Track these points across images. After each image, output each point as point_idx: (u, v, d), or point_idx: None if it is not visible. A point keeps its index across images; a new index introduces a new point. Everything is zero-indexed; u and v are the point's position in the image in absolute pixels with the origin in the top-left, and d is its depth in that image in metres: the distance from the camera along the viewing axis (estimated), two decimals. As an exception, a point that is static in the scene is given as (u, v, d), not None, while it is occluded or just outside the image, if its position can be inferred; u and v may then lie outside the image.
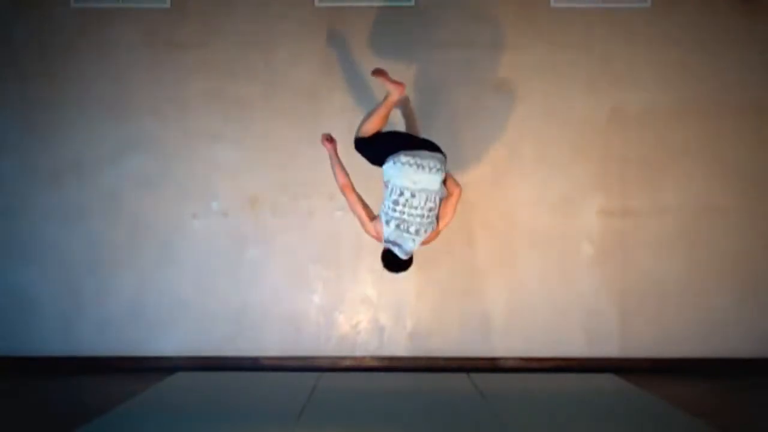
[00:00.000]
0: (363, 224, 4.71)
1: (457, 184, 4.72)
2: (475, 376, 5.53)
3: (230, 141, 6.01)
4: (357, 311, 5.98)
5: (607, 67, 6.03)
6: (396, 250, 4.58)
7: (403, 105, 5.19)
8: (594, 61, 6.03)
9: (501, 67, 6.01)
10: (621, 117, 6.01)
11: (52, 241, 5.96)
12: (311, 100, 6.01)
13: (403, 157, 4.52)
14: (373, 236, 4.70)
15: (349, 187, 4.75)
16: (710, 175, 6.00)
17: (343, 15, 6.03)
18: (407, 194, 4.52)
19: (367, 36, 6.02)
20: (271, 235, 6.00)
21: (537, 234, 5.96)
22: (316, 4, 6.04)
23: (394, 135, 4.81)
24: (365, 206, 4.74)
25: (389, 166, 4.56)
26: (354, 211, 4.76)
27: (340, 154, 4.84)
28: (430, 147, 4.65)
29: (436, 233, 4.67)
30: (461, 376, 5.53)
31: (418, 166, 4.51)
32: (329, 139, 4.86)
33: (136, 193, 5.98)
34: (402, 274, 5.91)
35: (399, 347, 5.95)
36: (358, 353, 5.95)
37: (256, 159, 6.00)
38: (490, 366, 5.89)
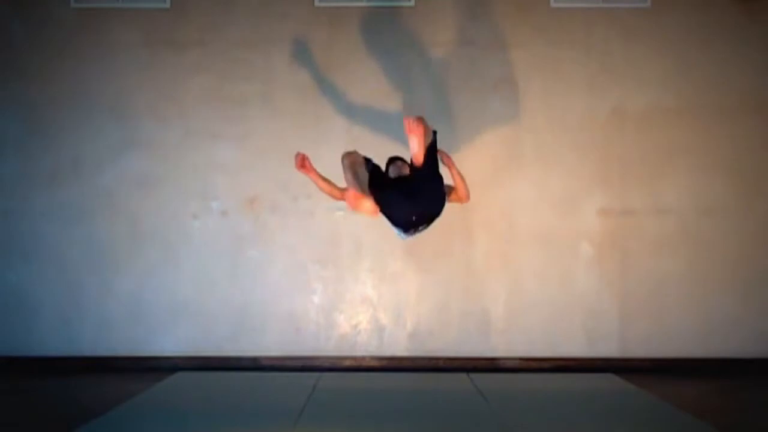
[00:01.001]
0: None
1: (468, 195, 4.78)
2: (475, 376, 5.53)
3: (230, 140, 6.01)
4: (357, 311, 5.98)
5: (607, 67, 6.03)
6: None
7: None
8: (594, 60, 6.03)
9: (501, 66, 6.01)
10: (621, 116, 6.01)
11: (52, 241, 5.95)
12: (311, 99, 6.01)
13: (404, 235, 4.61)
14: None
15: (337, 192, 4.71)
16: (710, 175, 6.00)
17: (343, 15, 6.03)
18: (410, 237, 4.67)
19: (367, 36, 6.01)
20: (271, 235, 6.00)
21: (537, 234, 5.96)
22: (316, 3, 6.04)
23: (395, 199, 4.56)
24: (359, 192, 4.62)
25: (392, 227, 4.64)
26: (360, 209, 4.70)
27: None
28: (432, 213, 4.57)
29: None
30: (461, 376, 5.53)
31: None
32: (302, 164, 4.66)
33: (136, 193, 5.98)
34: (402, 275, 5.95)
35: (399, 347, 5.95)
36: (358, 353, 5.95)
37: (256, 159, 6.00)
38: (490, 366, 5.89)
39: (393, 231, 4.66)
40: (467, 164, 5.94)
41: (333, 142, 5.97)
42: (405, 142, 6.02)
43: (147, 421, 4.31)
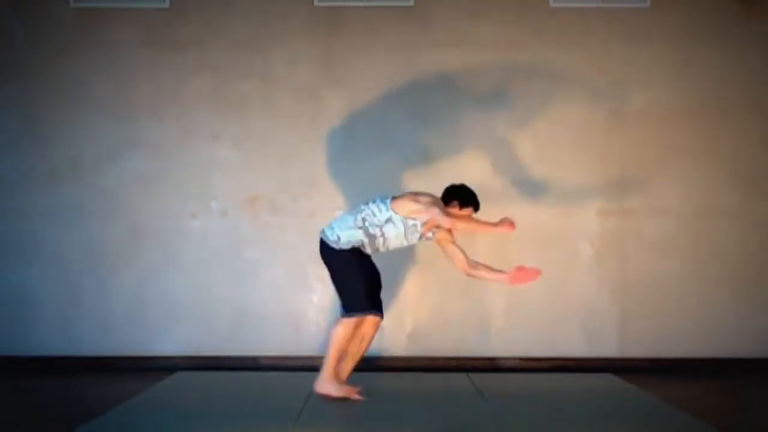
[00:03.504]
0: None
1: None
2: (474, 376, 5.53)
3: (229, 140, 6.01)
4: (357, 311, 5.97)
5: (607, 67, 6.03)
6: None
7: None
8: (593, 60, 6.03)
9: (500, 66, 6.01)
10: (620, 116, 6.02)
11: (52, 241, 5.96)
12: (310, 99, 6.02)
13: None
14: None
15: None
16: (710, 175, 6.00)
17: (342, 15, 6.03)
18: None
19: (367, 36, 6.01)
20: (271, 235, 6.00)
21: (537, 234, 5.96)
22: (316, 3, 6.04)
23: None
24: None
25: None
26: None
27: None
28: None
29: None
30: (461, 376, 5.53)
31: None
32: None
33: (136, 193, 5.98)
34: (401, 275, 5.95)
35: (399, 347, 5.96)
36: (358, 353, 5.94)
37: (256, 158, 6.00)
38: (490, 366, 5.89)
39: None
40: (467, 165, 5.96)
41: (332, 143, 5.98)
42: (402, 143, 6.05)
43: (147, 421, 4.32)
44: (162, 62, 6.02)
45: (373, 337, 4.80)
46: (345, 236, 4.70)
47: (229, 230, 5.99)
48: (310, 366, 5.82)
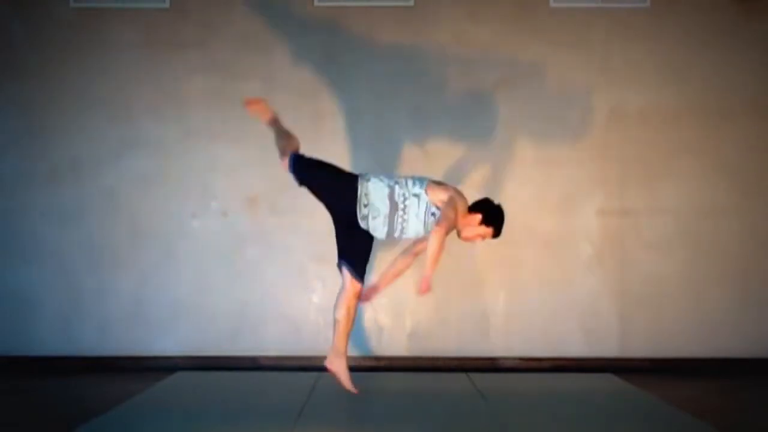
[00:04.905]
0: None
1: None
2: (474, 376, 5.53)
3: (229, 140, 6.01)
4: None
5: (607, 67, 6.03)
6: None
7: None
8: (593, 60, 6.03)
9: (500, 66, 6.02)
10: (620, 117, 6.02)
11: (52, 241, 5.96)
12: (310, 99, 6.02)
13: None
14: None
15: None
16: (710, 175, 6.00)
17: (342, 15, 6.03)
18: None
19: (367, 36, 6.02)
20: (271, 235, 6.00)
21: (536, 234, 5.97)
22: (316, 3, 6.04)
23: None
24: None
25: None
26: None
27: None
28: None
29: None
30: (461, 376, 5.53)
31: None
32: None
33: (136, 193, 5.98)
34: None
35: (398, 347, 5.96)
36: (358, 353, 5.95)
37: (256, 158, 6.00)
38: (490, 366, 5.89)
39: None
40: (467, 165, 5.96)
41: (333, 142, 5.98)
42: (402, 142, 6.05)
43: (147, 421, 4.32)
44: (162, 62, 6.02)
45: (356, 307, 4.78)
46: (371, 183, 4.70)
47: (230, 230, 5.99)
48: (310, 366, 5.84)
